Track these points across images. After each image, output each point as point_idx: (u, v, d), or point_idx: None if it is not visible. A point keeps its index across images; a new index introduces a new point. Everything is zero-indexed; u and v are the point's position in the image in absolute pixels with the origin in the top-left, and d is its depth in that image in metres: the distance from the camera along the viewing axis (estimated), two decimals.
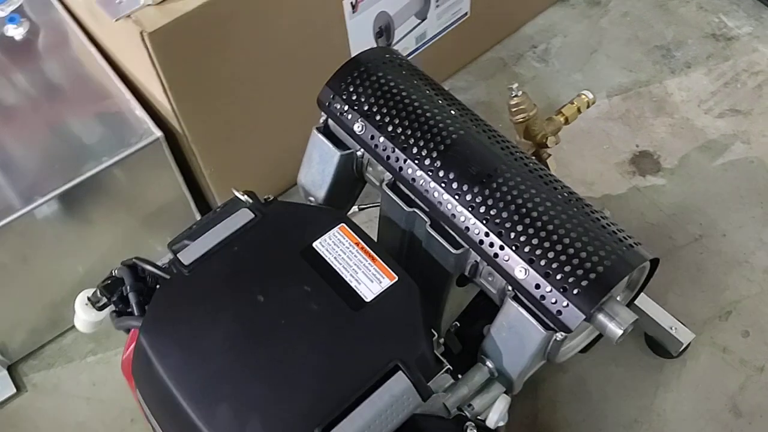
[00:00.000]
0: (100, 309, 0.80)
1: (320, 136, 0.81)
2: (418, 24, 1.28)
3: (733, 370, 1.12)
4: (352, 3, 1.13)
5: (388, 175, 0.77)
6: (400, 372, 0.63)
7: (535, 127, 1.07)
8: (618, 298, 0.72)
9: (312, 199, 0.84)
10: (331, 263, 0.70)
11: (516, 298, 0.68)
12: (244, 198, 0.78)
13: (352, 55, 1.20)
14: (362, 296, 0.68)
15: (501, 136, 0.76)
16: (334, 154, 0.80)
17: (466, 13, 1.36)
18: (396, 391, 0.63)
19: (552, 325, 0.66)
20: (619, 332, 0.66)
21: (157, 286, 0.75)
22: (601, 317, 0.66)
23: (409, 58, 1.29)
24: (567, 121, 1.10)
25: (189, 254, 0.72)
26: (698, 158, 1.35)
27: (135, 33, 0.93)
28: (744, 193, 1.30)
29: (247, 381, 0.63)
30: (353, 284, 0.68)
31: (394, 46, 1.27)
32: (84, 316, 0.88)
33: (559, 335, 0.66)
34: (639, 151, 1.36)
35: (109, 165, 1.03)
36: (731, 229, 1.26)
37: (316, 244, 0.71)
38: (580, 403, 1.10)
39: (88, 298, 0.86)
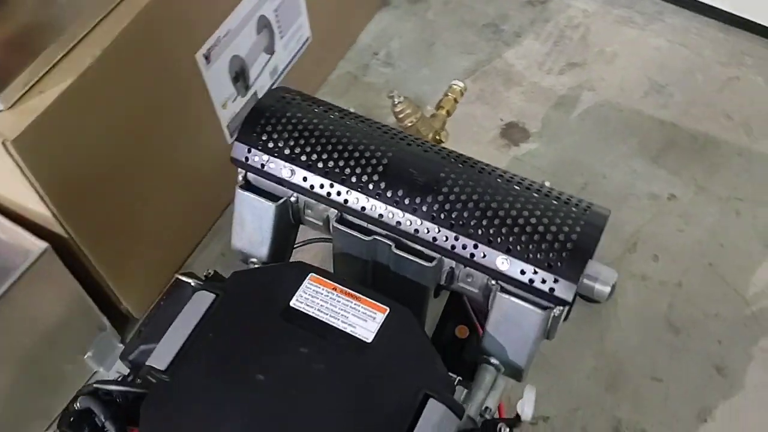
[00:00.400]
0: None
1: (247, 193, 0.77)
2: (269, 59, 1.25)
3: (657, 293, 1.21)
4: (205, 55, 1.08)
5: (333, 212, 0.75)
6: (431, 399, 0.62)
7: (424, 127, 1.08)
8: None
9: (254, 260, 0.79)
10: (316, 317, 0.66)
11: (504, 290, 0.69)
12: (192, 281, 0.73)
13: (216, 107, 1.17)
14: (362, 339, 0.65)
15: (427, 142, 0.77)
16: (269, 208, 0.76)
17: (308, 38, 1.35)
18: (435, 420, 0.61)
19: (547, 303, 0.68)
20: (608, 290, 0.68)
21: (132, 403, 0.68)
22: (586, 281, 0.68)
23: None
24: (449, 114, 1.13)
25: (161, 358, 0.65)
26: (557, 116, 1.44)
27: None
28: (606, 134, 1.41)
29: None
30: (348, 330, 0.65)
31: (251, 87, 1.24)
32: None
33: (557, 310, 0.68)
34: (505, 124, 1.43)
35: None
36: (608, 170, 1.36)
37: (293, 303, 0.67)
38: (542, 372, 1.14)
39: None
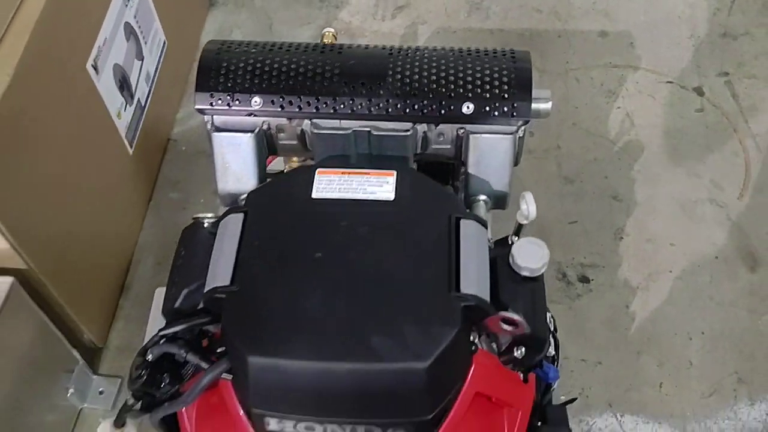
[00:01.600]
0: (147, 410, 0.73)
1: (224, 133, 0.83)
2: (141, 65, 1.29)
3: (545, 159, 1.41)
4: (93, 65, 1.10)
5: (306, 123, 0.83)
6: (462, 220, 0.73)
7: None
8: None
9: (244, 197, 0.85)
10: (339, 197, 0.75)
11: (473, 132, 0.82)
12: (208, 216, 0.78)
13: (113, 118, 1.19)
14: (386, 199, 0.74)
15: (359, 44, 0.88)
16: (249, 139, 0.83)
17: (164, 42, 1.39)
18: (473, 232, 0.72)
19: (511, 128, 0.81)
20: (550, 105, 0.83)
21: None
22: (533, 104, 0.83)
23: (147, 101, 1.30)
24: None
25: (221, 276, 0.70)
26: None
27: None
28: None
29: (376, 305, 0.67)
30: (371, 197, 0.74)
31: (135, 95, 1.27)
32: None
33: (521, 131, 0.82)
34: None
35: None
36: None
37: (314, 195, 0.75)
38: None
39: (115, 423, 0.78)
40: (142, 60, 1.29)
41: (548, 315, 0.82)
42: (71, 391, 1.11)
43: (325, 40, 1.24)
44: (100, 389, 1.15)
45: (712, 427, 1.12)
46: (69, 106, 1.05)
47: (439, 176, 0.93)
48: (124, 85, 1.22)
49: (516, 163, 0.86)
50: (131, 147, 1.26)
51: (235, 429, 0.72)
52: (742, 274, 1.26)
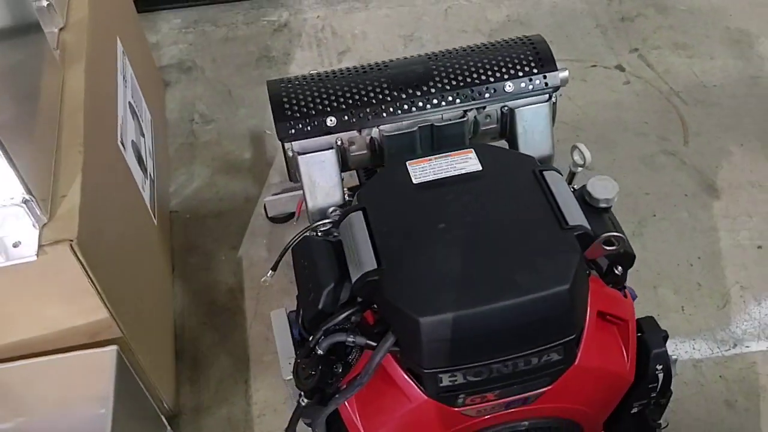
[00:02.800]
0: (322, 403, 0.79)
1: (309, 154, 0.92)
2: (144, 142, 1.34)
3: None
4: (121, 142, 1.16)
5: (375, 131, 0.94)
6: (544, 172, 0.86)
7: None
8: None
9: (332, 208, 0.94)
10: (437, 178, 0.86)
11: (516, 107, 0.96)
12: (323, 223, 0.87)
13: (140, 189, 1.23)
14: (476, 170, 0.86)
15: (398, 58, 1.00)
16: (330, 154, 0.92)
17: (151, 119, 1.45)
18: (557, 178, 0.86)
19: (546, 96, 0.96)
20: (567, 73, 0.99)
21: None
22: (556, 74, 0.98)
23: (155, 175, 1.36)
24: None
25: (366, 263, 0.78)
26: None
27: (62, 252, 0.85)
28: None
29: (507, 251, 0.78)
30: (463, 171, 0.86)
31: (147, 169, 1.32)
32: None
33: (554, 97, 0.97)
34: None
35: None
36: None
37: (416, 181, 0.85)
38: None
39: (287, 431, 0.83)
40: (144, 137, 1.35)
41: None
42: None
43: None
44: None
45: (736, 331, 1.29)
46: (115, 181, 1.10)
47: None
48: (140, 160, 1.27)
49: (553, 124, 1.00)
50: (155, 218, 1.30)
51: (404, 397, 0.80)
52: (711, 203, 1.47)
